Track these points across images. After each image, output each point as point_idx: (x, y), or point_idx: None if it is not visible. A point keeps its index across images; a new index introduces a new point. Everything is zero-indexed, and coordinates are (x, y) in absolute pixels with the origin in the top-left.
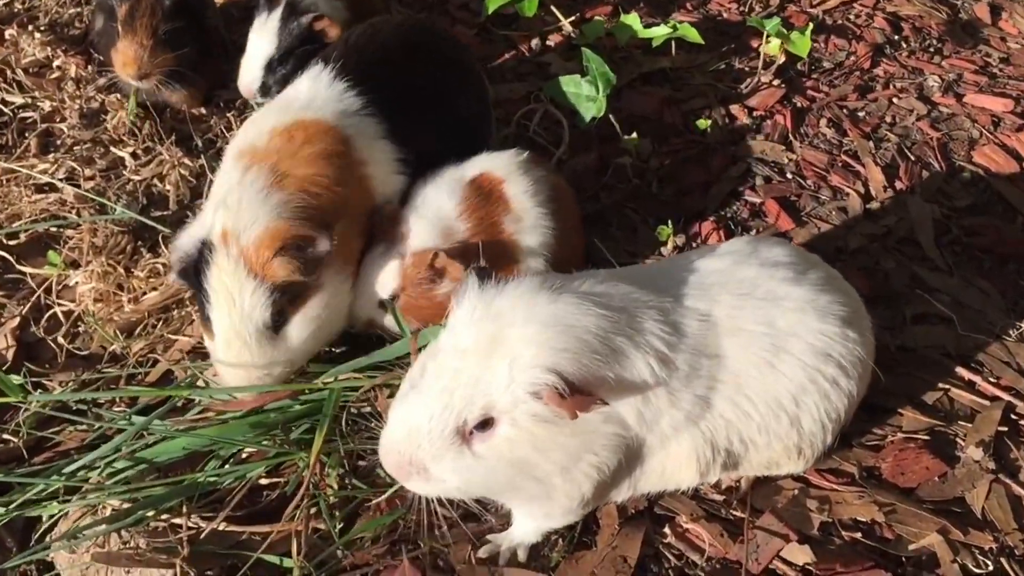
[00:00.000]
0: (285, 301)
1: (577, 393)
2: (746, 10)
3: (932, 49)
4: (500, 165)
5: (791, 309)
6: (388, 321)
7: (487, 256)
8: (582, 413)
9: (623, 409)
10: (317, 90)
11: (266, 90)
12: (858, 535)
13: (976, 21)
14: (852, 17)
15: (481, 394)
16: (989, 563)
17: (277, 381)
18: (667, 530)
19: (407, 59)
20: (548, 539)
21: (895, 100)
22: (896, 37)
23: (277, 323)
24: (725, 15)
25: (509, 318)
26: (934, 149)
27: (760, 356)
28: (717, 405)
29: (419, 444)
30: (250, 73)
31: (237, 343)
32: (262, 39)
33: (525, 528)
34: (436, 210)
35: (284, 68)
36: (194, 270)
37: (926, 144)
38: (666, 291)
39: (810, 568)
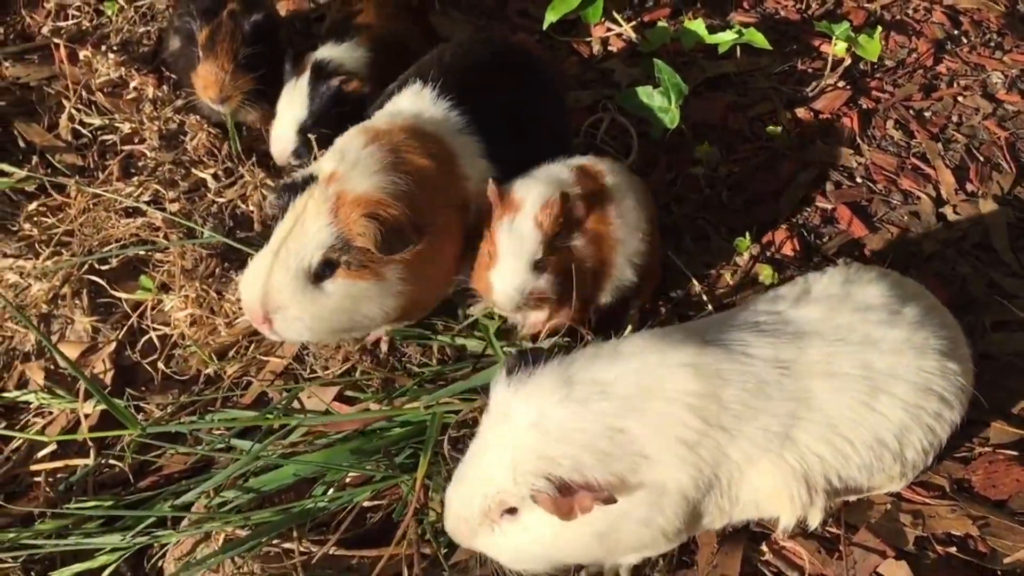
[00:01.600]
0: (339, 260)
1: (576, 492)
2: (803, 7)
3: (993, 44)
4: (594, 160)
5: (888, 351)
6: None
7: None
8: (583, 513)
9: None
10: (422, 107)
11: (299, 154)
12: (952, 549)
13: None
14: (910, 12)
15: (495, 489)
16: None
17: (281, 327)
18: (764, 548)
19: (498, 79)
20: (648, 559)
21: (960, 99)
22: (956, 32)
23: (320, 273)
24: (783, 12)
25: (519, 419)
26: (1002, 149)
27: (856, 398)
28: (802, 439)
29: (458, 526)
30: (283, 139)
31: (283, 253)
32: (292, 104)
33: None
34: (552, 174)
35: (316, 132)
36: (290, 196)
37: (994, 144)
38: (727, 339)
39: None
